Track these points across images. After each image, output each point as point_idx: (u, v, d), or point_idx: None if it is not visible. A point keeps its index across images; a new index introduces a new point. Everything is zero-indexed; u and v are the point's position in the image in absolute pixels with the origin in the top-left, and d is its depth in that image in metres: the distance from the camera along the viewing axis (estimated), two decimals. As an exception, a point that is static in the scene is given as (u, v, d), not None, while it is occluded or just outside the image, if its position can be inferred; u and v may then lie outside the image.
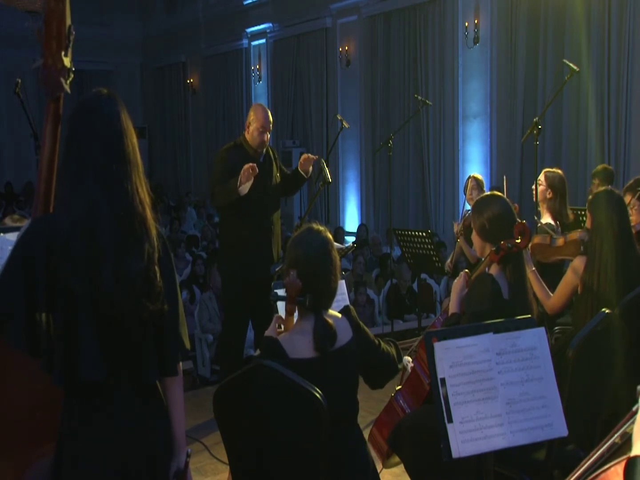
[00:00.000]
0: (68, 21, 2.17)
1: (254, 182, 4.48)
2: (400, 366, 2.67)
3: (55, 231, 1.88)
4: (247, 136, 4.70)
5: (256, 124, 4.65)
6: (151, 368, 1.97)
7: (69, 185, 1.93)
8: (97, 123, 1.94)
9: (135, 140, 2.00)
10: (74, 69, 2.22)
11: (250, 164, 4.42)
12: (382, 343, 2.58)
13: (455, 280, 3.01)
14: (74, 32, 2.19)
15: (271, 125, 4.72)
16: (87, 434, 1.93)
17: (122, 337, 1.92)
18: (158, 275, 1.95)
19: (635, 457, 1.45)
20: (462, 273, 3.01)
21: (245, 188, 4.47)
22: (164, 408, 2.05)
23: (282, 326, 2.48)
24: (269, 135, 4.72)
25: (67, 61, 2.17)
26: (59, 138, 2.21)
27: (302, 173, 4.78)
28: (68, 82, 2.20)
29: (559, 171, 4.89)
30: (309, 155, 4.77)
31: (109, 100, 1.98)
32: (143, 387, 1.99)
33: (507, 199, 3.05)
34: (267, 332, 2.48)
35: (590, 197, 3.68)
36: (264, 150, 4.75)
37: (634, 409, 1.89)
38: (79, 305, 1.86)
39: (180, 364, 2.06)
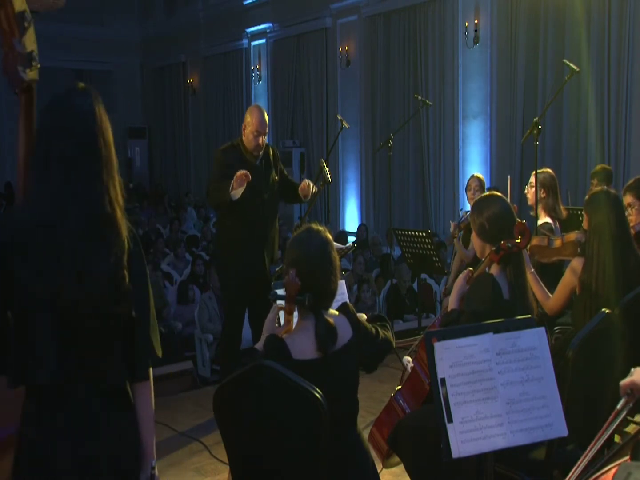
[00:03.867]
0: (20, 7, 2.10)
1: (249, 185, 4.45)
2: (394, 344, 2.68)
3: (15, 229, 1.81)
4: (244, 138, 4.66)
5: (251, 127, 4.59)
6: (115, 372, 1.89)
7: (34, 181, 1.84)
8: (65, 118, 1.84)
9: (110, 137, 1.88)
10: (36, 55, 2.13)
11: (244, 171, 4.38)
12: (379, 330, 2.57)
13: (458, 277, 3.01)
14: (28, 17, 2.11)
15: (267, 128, 4.67)
16: (44, 440, 1.85)
17: (83, 340, 1.84)
18: (126, 278, 1.87)
19: None
20: (465, 270, 3.01)
21: (237, 193, 4.44)
22: (132, 415, 1.94)
23: (281, 321, 2.47)
24: (264, 139, 4.67)
25: (29, 45, 2.09)
26: (34, 131, 2.10)
27: (301, 195, 4.76)
28: (32, 70, 2.12)
29: (548, 170, 4.92)
30: (310, 183, 4.69)
31: (82, 95, 1.87)
32: (108, 393, 1.90)
33: (506, 199, 3.05)
34: (267, 323, 2.46)
35: (586, 197, 3.67)
36: (261, 152, 4.70)
37: (618, 406, 1.94)
38: (36, 305, 1.80)
39: (151, 369, 1.97)
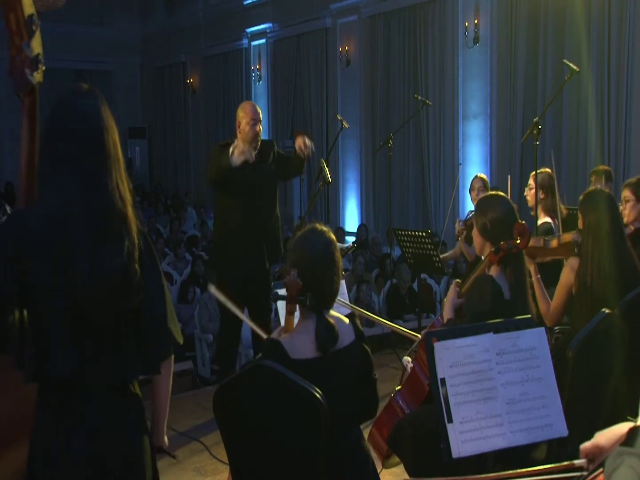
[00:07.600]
0: (29, 10, 2.12)
1: (243, 180, 4.60)
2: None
3: (28, 227, 1.85)
4: (240, 136, 4.74)
5: (246, 119, 4.71)
6: (129, 366, 1.94)
7: (43, 180, 1.90)
8: (71, 117, 1.89)
9: (116, 136, 1.94)
10: (42, 58, 2.16)
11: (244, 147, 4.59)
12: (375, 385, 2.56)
13: (450, 288, 3.03)
14: (37, 21, 2.14)
15: (260, 116, 4.79)
16: (60, 434, 1.88)
17: (97, 335, 1.89)
18: (139, 272, 1.91)
19: (638, 427, 1.48)
20: (452, 285, 3.02)
21: (237, 160, 4.57)
22: (142, 410, 2.00)
23: (282, 322, 2.48)
24: (261, 127, 4.79)
25: (36, 48, 2.11)
26: (37, 133, 2.16)
27: (301, 156, 4.82)
28: (38, 73, 2.13)
29: (547, 169, 4.92)
30: (305, 139, 4.76)
31: (87, 96, 1.93)
32: (121, 387, 1.95)
33: (509, 200, 3.05)
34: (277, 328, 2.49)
35: (580, 197, 3.67)
36: (258, 145, 4.76)
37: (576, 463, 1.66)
38: (50, 301, 1.84)
39: (172, 358, 2.04)
